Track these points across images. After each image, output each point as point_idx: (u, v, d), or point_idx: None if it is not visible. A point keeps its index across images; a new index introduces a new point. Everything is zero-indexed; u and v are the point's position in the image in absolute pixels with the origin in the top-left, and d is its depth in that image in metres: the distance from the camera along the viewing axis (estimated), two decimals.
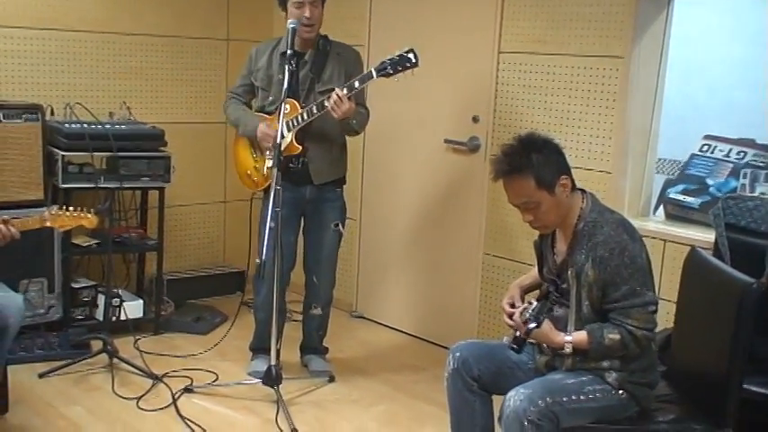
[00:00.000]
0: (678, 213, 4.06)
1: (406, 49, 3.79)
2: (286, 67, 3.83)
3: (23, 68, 4.74)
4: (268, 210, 3.70)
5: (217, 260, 5.55)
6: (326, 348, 4.49)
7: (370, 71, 3.84)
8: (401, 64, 3.77)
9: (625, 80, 3.92)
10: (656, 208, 4.26)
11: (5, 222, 3.28)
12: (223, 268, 5.48)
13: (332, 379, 4.27)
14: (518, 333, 2.78)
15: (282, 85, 3.85)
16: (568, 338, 2.78)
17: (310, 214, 4.21)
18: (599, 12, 3.99)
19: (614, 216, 2.87)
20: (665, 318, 3.42)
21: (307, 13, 3.94)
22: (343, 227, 4.28)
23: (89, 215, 3.48)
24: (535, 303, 2.79)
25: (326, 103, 3.82)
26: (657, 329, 3.59)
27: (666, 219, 4.12)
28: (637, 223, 3.95)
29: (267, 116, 4.10)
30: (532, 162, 2.80)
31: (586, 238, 2.80)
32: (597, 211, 2.86)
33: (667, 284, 3.72)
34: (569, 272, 2.81)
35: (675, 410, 2.96)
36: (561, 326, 2.83)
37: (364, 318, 5.28)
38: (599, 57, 4.01)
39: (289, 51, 3.84)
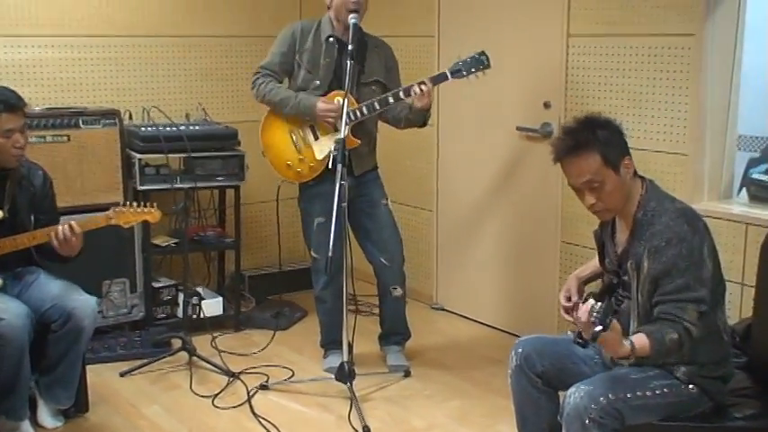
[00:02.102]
0: (762, 194, 3.84)
1: (479, 51, 3.90)
2: (349, 62, 3.81)
3: (103, 75, 4.90)
4: (318, 203, 3.67)
5: (297, 255, 5.58)
6: (409, 334, 4.44)
7: (444, 73, 3.92)
8: (474, 66, 3.89)
9: (698, 57, 3.75)
10: (741, 189, 4.06)
11: (72, 229, 3.37)
12: (302, 263, 5.52)
13: (407, 374, 4.24)
14: (582, 334, 2.65)
15: (329, 69, 3.97)
16: (631, 348, 2.55)
17: (358, 199, 4.10)
18: None
19: (675, 205, 2.72)
20: (750, 305, 3.26)
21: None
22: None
23: (152, 210, 3.55)
24: (599, 304, 2.52)
25: (413, 91, 3.86)
26: (738, 318, 3.47)
27: (750, 200, 3.92)
28: (719, 207, 3.85)
29: None
30: (598, 138, 2.69)
31: (645, 228, 2.68)
32: (657, 199, 2.73)
33: (751, 270, 3.54)
34: (629, 263, 2.69)
35: (755, 405, 2.80)
36: (624, 320, 2.70)
37: (444, 309, 5.23)
38: (670, 36, 3.84)
39: (351, 47, 3.83)
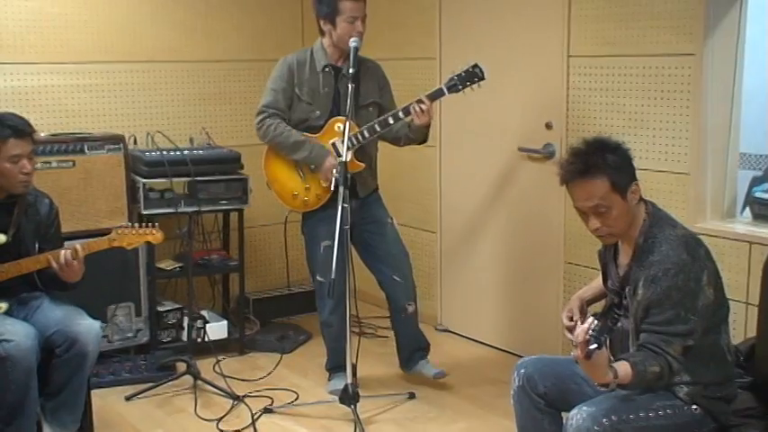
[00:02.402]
0: (765, 213, 3.84)
1: (472, 63, 3.92)
2: (349, 86, 3.83)
3: (107, 101, 4.94)
4: (323, 228, 3.70)
5: (302, 278, 5.59)
6: (428, 343, 4.45)
7: (441, 88, 3.94)
8: (469, 79, 3.91)
9: (698, 77, 3.76)
10: (744, 208, 4.06)
11: (75, 254, 3.39)
12: (308, 286, 5.51)
13: (412, 395, 4.23)
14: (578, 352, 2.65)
15: (329, 98, 4.03)
16: (615, 378, 2.52)
17: (363, 221, 4.17)
18: (667, 9, 3.84)
19: (676, 232, 2.70)
20: (754, 324, 3.24)
21: (360, 28, 3.97)
22: None
23: (154, 231, 3.57)
24: (596, 322, 2.56)
25: (412, 110, 3.90)
26: (743, 338, 3.46)
27: (754, 219, 3.91)
28: (722, 226, 3.84)
29: (311, 136, 4.10)
30: (608, 162, 2.68)
31: (645, 255, 2.68)
32: (658, 225, 2.72)
33: (755, 289, 3.52)
34: (627, 289, 2.70)
35: (760, 426, 2.79)
36: (617, 338, 2.72)
37: (449, 331, 5.22)
38: (670, 56, 3.86)
39: (351, 70, 3.85)
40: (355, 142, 3.95)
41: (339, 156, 3.91)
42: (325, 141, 4.07)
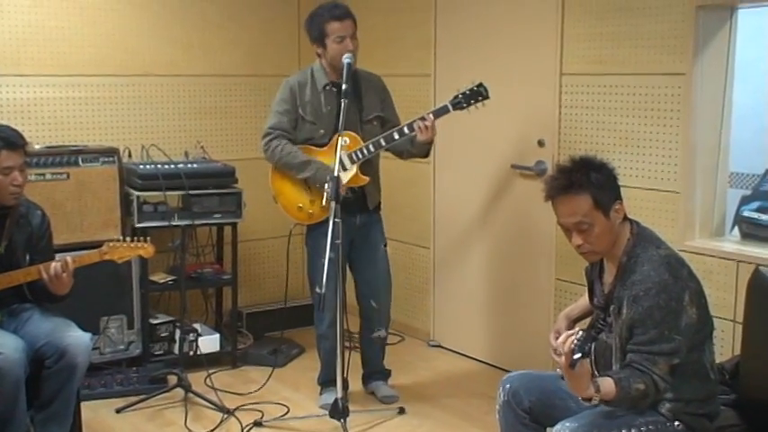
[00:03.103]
0: (753, 232, 3.87)
1: (477, 83, 3.99)
2: (343, 101, 3.87)
3: (102, 114, 4.96)
4: (326, 241, 3.72)
5: (296, 292, 5.60)
6: (389, 371, 4.51)
7: (446, 105, 4.01)
8: (474, 97, 3.99)
9: (688, 96, 3.79)
10: (734, 227, 4.08)
11: (65, 267, 3.41)
12: (301, 300, 5.53)
13: (402, 410, 4.24)
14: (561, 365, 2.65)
15: (332, 116, 4.03)
16: (597, 393, 2.54)
17: (360, 240, 4.25)
18: (658, 29, 3.88)
19: (659, 252, 2.72)
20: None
21: (350, 46, 4.00)
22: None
23: (146, 245, 3.59)
24: (580, 332, 2.61)
25: (416, 126, 3.95)
26: (732, 355, 3.48)
27: (742, 238, 3.94)
28: (710, 244, 3.86)
29: (314, 148, 4.15)
30: (592, 180, 2.72)
31: (628, 274, 2.70)
32: (642, 244, 2.74)
33: (742, 308, 3.54)
34: (611, 307, 2.72)
35: None
36: (608, 354, 2.74)
37: (441, 346, 5.23)
38: (660, 75, 3.89)
39: (345, 86, 3.89)
40: (360, 156, 4.01)
41: (345, 170, 3.95)
42: (330, 156, 4.09)
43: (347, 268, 4.26)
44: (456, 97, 3.98)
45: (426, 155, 4.25)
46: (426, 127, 3.94)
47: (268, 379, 4.52)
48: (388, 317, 4.44)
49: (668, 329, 2.61)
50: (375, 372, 4.48)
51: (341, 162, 4.00)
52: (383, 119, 4.24)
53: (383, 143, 4.02)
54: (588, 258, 2.87)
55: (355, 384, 4.36)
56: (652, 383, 2.59)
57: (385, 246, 4.35)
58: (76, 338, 3.49)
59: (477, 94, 3.98)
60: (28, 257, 3.57)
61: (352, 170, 4.03)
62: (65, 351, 3.42)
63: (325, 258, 3.65)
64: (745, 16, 3.82)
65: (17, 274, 3.48)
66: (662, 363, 2.60)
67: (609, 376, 2.61)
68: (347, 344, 4.07)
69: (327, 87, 4.13)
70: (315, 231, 4.18)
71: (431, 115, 3.96)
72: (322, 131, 4.14)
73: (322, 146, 4.14)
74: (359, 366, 4.46)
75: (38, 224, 3.64)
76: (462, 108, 3.99)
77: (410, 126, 3.98)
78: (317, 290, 4.14)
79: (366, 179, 4.11)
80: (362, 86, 4.18)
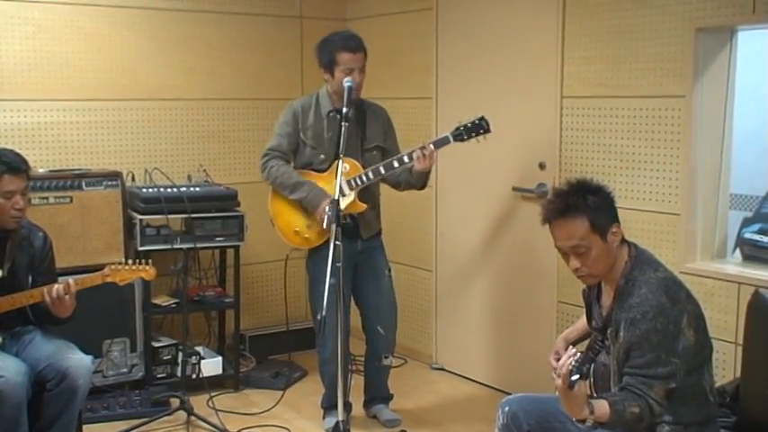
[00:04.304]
0: (755, 254, 3.86)
1: (479, 116, 4.01)
2: (342, 125, 3.87)
3: (105, 138, 4.99)
4: (327, 265, 3.72)
5: (299, 316, 5.61)
6: (392, 395, 4.51)
7: (447, 136, 4.03)
8: (475, 130, 4.01)
9: (688, 118, 3.81)
10: (735, 249, 4.08)
11: (68, 289, 3.42)
12: (303, 323, 5.53)
13: None
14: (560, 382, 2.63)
15: (333, 142, 4.03)
16: (591, 415, 2.55)
17: (363, 265, 4.25)
18: (658, 52, 3.90)
19: (657, 275, 2.72)
20: None
21: (356, 79, 4.01)
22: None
23: (147, 267, 3.61)
24: (578, 354, 2.60)
25: (415, 155, 3.95)
26: (733, 378, 3.46)
27: (744, 260, 3.93)
28: (712, 267, 3.86)
29: (314, 173, 4.16)
30: (588, 203, 2.73)
31: (625, 297, 2.70)
32: (639, 267, 2.74)
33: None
34: (609, 330, 2.71)
35: None
36: (607, 376, 2.73)
37: (444, 369, 5.22)
38: (660, 97, 3.91)
39: (345, 109, 3.89)
40: (359, 183, 4.03)
41: (343, 196, 3.94)
42: (328, 182, 4.10)
43: (351, 296, 4.27)
44: (457, 129, 4.01)
45: (424, 185, 4.23)
46: (425, 155, 3.96)
47: (277, 403, 4.54)
48: (394, 343, 4.43)
49: (665, 353, 2.60)
50: (380, 396, 4.47)
51: (340, 188, 4.02)
52: (384, 150, 4.25)
53: (382, 171, 4.03)
54: (586, 281, 2.87)
55: (357, 408, 4.34)
56: (647, 407, 2.59)
57: (389, 271, 4.34)
58: (77, 361, 3.49)
59: (479, 128, 4.00)
60: (30, 279, 3.58)
61: (351, 197, 4.04)
62: (66, 374, 3.42)
63: (331, 282, 3.65)
64: (745, 41, 3.84)
65: (20, 296, 3.49)
66: (658, 386, 2.60)
67: (604, 398, 2.60)
68: (350, 367, 4.07)
69: (331, 114, 4.15)
70: (315, 256, 4.19)
71: (431, 145, 3.98)
72: (322, 156, 4.15)
73: (321, 171, 4.15)
74: (360, 388, 4.45)
75: (40, 246, 3.66)
76: (463, 140, 4.01)
77: (410, 155, 4.00)
78: (319, 315, 4.16)
79: (363, 206, 4.11)
80: (367, 115, 4.21)
